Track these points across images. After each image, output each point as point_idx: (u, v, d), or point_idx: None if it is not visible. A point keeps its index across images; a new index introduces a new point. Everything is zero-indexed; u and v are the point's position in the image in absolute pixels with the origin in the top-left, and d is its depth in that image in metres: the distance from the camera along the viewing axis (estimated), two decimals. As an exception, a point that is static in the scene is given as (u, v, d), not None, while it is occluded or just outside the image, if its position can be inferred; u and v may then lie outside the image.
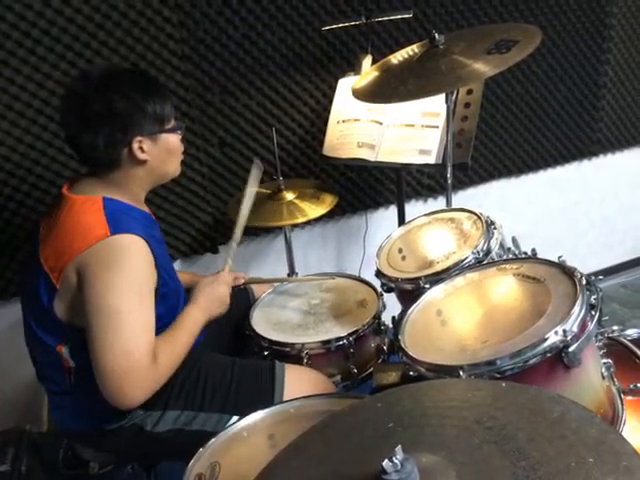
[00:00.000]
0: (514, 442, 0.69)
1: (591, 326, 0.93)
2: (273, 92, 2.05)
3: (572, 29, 2.33)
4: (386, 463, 0.64)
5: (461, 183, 2.39)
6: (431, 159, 1.72)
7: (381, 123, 1.83)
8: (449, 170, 1.60)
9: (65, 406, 1.31)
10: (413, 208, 2.33)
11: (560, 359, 0.90)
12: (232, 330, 1.62)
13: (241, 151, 2.08)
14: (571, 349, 0.88)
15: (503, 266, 1.16)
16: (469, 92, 1.75)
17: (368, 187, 2.29)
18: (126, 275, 1.15)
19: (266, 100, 2.05)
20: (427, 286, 1.25)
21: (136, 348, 1.13)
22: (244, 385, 1.33)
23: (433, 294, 1.21)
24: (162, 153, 1.27)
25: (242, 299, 1.70)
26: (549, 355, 0.90)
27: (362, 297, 1.60)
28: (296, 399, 1.18)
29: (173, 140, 1.30)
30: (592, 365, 0.96)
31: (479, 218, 1.36)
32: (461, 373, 0.90)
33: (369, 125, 1.84)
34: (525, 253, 1.28)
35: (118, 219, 1.19)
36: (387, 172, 2.26)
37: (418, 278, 1.28)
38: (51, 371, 1.28)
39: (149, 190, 1.36)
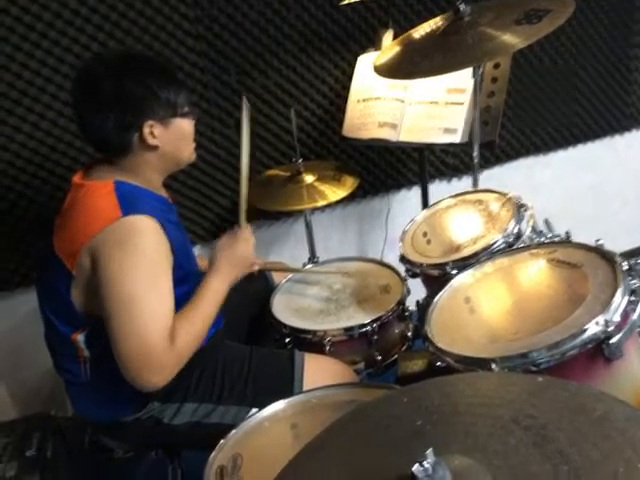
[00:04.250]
0: (555, 444, 0.64)
1: (634, 315, 0.87)
2: (291, 71, 1.98)
3: (604, -1, 2.21)
4: (416, 468, 0.60)
5: (487, 162, 2.30)
6: (456, 138, 1.65)
7: (403, 101, 1.76)
8: (476, 149, 1.53)
9: (82, 397, 1.30)
10: (437, 189, 2.25)
11: (600, 351, 0.84)
12: (250, 318, 1.58)
13: (259, 133, 2.02)
14: (613, 340, 0.82)
15: (536, 250, 1.09)
16: (496, 66, 1.67)
17: (390, 168, 2.22)
18: (139, 256, 1.13)
19: (284, 80, 1.98)
20: (454, 272, 1.20)
21: (153, 331, 1.10)
22: (262, 376, 1.30)
23: (461, 280, 1.15)
24: (174, 139, 1.23)
25: (261, 286, 1.67)
26: (589, 347, 0.84)
27: (385, 282, 1.55)
28: (318, 388, 1.15)
29: (185, 126, 1.26)
30: (635, 357, 0.90)
31: (509, 200, 1.29)
32: (493, 366, 0.85)
33: (391, 104, 1.77)
34: (558, 236, 1.22)
35: (130, 201, 1.16)
36: (409, 152, 2.19)
37: (445, 263, 1.23)
38: (67, 362, 1.27)
39: (166, 175, 1.32)
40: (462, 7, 1.34)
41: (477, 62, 1.38)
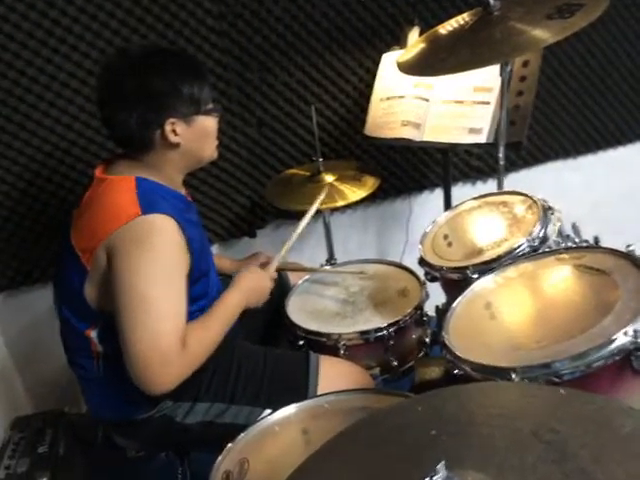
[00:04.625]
0: (577, 461, 0.60)
1: (666, 326, 0.81)
2: (314, 69, 1.95)
3: (639, -5, 2.13)
4: (427, 483, 0.56)
5: (513, 165, 2.24)
6: (482, 138, 1.60)
7: (428, 100, 1.71)
8: (501, 150, 1.48)
9: (94, 393, 1.29)
10: (460, 191, 2.20)
11: (629, 363, 0.79)
12: (266, 319, 1.56)
13: (280, 132, 2.00)
14: (642, 353, 0.77)
15: (562, 255, 1.04)
16: (525, 64, 1.61)
17: (412, 169, 2.17)
18: (156, 257, 1.11)
19: (306, 78, 1.96)
20: (475, 276, 1.15)
21: (165, 333, 1.09)
22: (277, 377, 1.27)
23: (482, 285, 1.10)
24: (196, 136, 1.22)
25: (277, 286, 1.63)
26: (617, 358, 0.79)
27: (403, 285, 1.51)
28: (331, 393, 1.11)
29: (209, 123, 1.24)
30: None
31: (535, 202, 1.24)
32: (513, 376, 0.81)
33: (414, 102, 1.72)
34: (587, 241, 1.17)
35: (150, 199, 1.15)
36: (432, 153, 2.14)
37: (465, 267, 1.18)
38: (80, 357, 1.26)
39: (187, 173, 1.31)
40: (492, 1, 1.30)
41: (505, 58, 1.33)
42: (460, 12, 1.60)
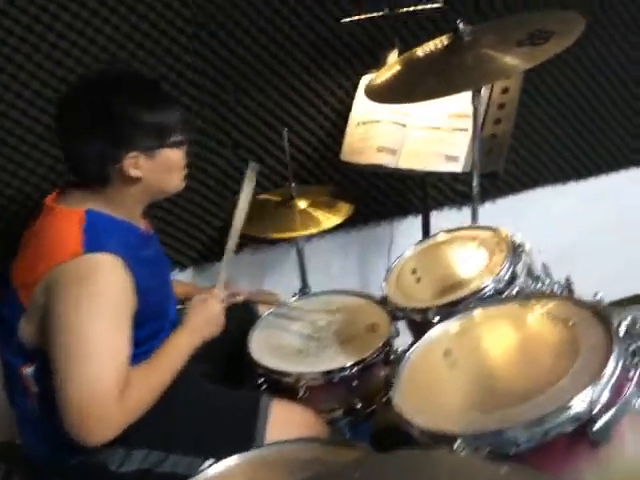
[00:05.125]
0: None
1: (629, 390, 0.73)
2: (291, 90, 1.89)
3: (625, 12, 2.05)
4: None
5: (499, 191, 2.16)
6: (458, 167, 1.53)
7: (404, 125, 1.65)
8: (475, 179, 1.41)
9: (29, 433, 1.22)
10: (446, 217, 2.13)
11: (585, 433, 0.70)
12: (230, 353, 1.47)
13: (256, 153, 1.94)
14: (598, 423, 0.69)
15: (527, 301, 0.96)
16: (504, 91, 1.55)
17: (395, 194, 2.10)
18: (97, 296, 1.04)
19: (284, 99, 1.89)
20: (436, 319, 1.07)
21: (102, 380, 1.02)
22: (221, 423, 1.19)
23: (442, 330, 1.02)
24: (160, 170, 1.15)
25: (245, 317, 1.56)
26: (572, 428, 0.71)
27: (373, 320, 1.43)
28: (277, 443, 1.03)
29: (175, 156, 1.17)
30: (631, 440, 0.75)
31: (504, 239, 1.16)
32: (456, 444, 0.72)
33: (391, 127, 1.66)
34: (557, 283, 1.09)
35: (97, 236, 1.09)
36: (415, 177, 2.07)
37: (427, 309, 1.10)
38: (17, 395, 1.18)
39: (148, 203, 1.25)
40: (461, 26, 1.23)
41: (476, 85, 1.26)
42: (443, 34, 1.54)
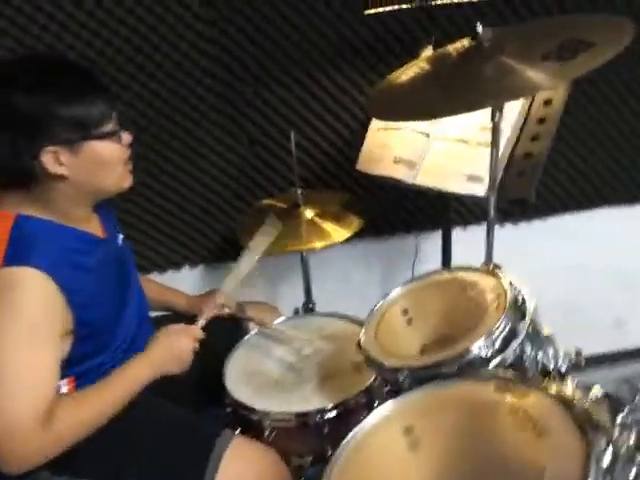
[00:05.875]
0: None
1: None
2: (316, 85, 1.73)
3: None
4: None
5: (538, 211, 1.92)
6: (481, 189, 1.32)
7: (428, 135, 1.44)
8: (492, 204, 1.21)
9: None
10: (471, 234, 1.92)
11: None
12: (212, 370, 1.35)
13: (274, 151, 1.80)
14: None
15: (504, 387, 0.77)
16: (547, 103, 1.31)
17: (418, 206, 1.90)
18: (15, 315, 0.95)
19: (307, 94, 1.74)
20: (407, 383, 0.90)
21: (19, 406, 0.93)
22: (172, 457, 1.09)
23: (399, 405, 0.85)
24: (89, 165, 1.03)
25: (233, 332, 1.45)
26: None
27: (361, 358, 1.27)
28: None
29: (105, 149, 1.04)
30: None
31: (504, 292, 0.96)
32: None
33: (412, 136, 1.46)
34: (568, 357, 0.89)
35: (23, 246, 0.98)
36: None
37: (398, 369, 0.93)
38: None
39: (93, 205, 1.14)
40: (481, 30, 1.02)
41: (493, 102, 1.04)
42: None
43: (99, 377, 1.12)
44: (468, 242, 1.56)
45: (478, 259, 1.35)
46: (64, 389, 1.08)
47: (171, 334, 1.19)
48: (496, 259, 1.89)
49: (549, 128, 1.29)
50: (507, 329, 0.91)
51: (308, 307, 1.67)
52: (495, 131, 1.12)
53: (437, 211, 1.77)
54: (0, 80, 0.99)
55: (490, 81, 0.99)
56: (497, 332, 0.91)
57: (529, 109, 1.33)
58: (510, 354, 0.90)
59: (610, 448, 0.61)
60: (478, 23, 1.02)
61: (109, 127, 1.04)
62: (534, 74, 0.93)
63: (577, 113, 1.78)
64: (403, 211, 1.91)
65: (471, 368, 0.88)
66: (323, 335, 1.38)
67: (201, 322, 1.29)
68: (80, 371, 1.09)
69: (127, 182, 1.12)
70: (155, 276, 1.90)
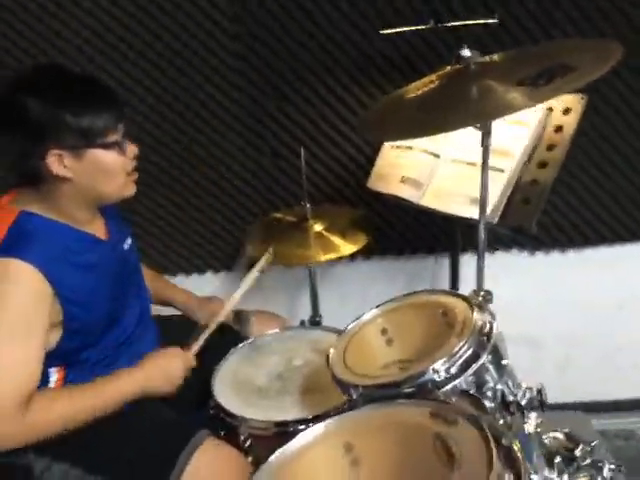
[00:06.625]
0: None
1: None
2: (339, 102, 1.75)
3: None
4: None
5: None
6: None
7: (438, 156, 1.43)
8: (481, 230, 1.18)
9: None
10: (499, 259, 1.86)
11: None
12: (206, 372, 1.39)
13: (295, 164, 1.83)
14: None
15: (436, 412, 0.75)
16: (558, 129, 1.28)
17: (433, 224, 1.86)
18: (2, 306, 1.02)
19: (330, 110, 1.76)
20: (359, 399, 0.90)
21: (3, 391, 1.00)
22: (145, 451, 1.13)
23: (341, 422, 0.85)
24: (91, 171, 1.11)
25: (232, 338, 1.48)
26: None
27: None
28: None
29: (107, 158, 1.11)
30: None
31: (470, 323, 0.94)
32: None
33: (422, 157, 1.45)
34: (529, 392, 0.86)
35: (18, 240, 1.06)
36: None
37: (354, 385, 0.93)
38: None
39: (96, 208, 1.22)
40: (466, 52, 1.01)
41: (475, 121, 1.02)
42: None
43: (88, 369, 1.18)
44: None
45: (490, 285, 1.32)
46: (54, 377, 1.16)
47: (167, 356, 1.24)
48: (535, 288, 1.85)
49: (558, 156, 1.26)
50: (467, 354, 0.89)
51: (314, 320, 1.68)
52: (484, 155, 1.09)
53: (446, 234, 1.74)
54: (20, 83, 1.09)
55: (476, 101, 0.98)
56: (456, 356, 0.89)
57: (542, 134, 1.30)
58: (467, 379, 0.88)
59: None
60: (465, 46, 1.01)
61: (113, 138, 1.11)
62: (515, 96, 0.91)
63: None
64: (414, 231, 1.89)
65: (426, 390, 0.87)
66: (315, 347, 1.39)
67: (195, 348, 1.33)
68: (69, 362, 1.16)
69: (129, 191, 1.19)
70: (180, 279, 1.98)
